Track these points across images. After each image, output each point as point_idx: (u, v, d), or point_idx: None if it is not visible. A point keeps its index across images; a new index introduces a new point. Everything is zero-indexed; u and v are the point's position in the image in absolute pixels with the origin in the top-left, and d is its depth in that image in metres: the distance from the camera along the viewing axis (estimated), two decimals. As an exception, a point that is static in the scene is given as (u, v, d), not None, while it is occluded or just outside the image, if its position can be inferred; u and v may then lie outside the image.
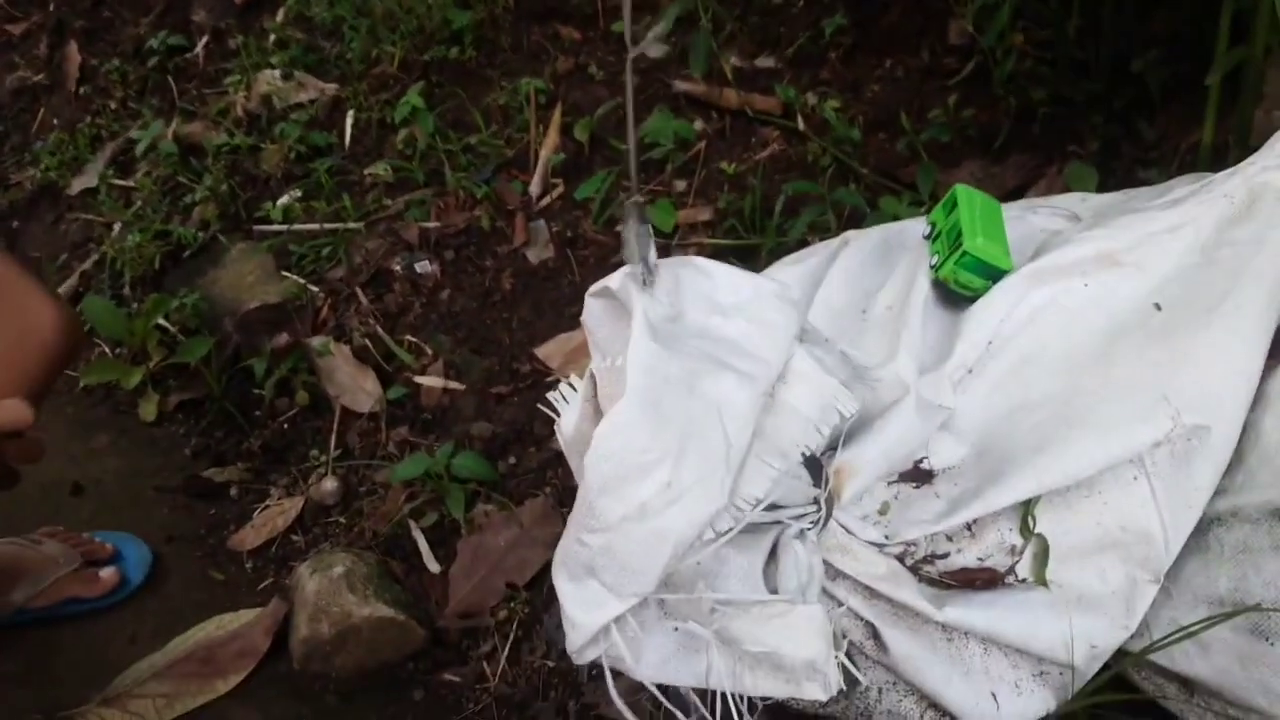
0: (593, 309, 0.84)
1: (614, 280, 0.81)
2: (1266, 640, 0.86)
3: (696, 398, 0.69)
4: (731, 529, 0.68)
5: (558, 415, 0.91)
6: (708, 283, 0.79)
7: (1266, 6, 1.12)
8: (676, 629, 0.72)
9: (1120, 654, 0.94)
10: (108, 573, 1.34)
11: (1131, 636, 0.93)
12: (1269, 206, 0.96)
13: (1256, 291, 0.93)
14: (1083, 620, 0.93)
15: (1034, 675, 0.96)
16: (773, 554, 0.80)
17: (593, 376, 0.82)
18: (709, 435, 0.68)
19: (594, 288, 0.84)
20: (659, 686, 0.77)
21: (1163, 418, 0.89)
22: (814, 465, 0.84)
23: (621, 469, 0.66)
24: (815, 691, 0.70)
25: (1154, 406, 0.90)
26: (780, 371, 0.74)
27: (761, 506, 0.70)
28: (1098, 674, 0.94)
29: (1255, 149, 1.00)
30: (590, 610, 0.69)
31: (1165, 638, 0.90)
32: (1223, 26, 1.13)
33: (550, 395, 0.88)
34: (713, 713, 0.71)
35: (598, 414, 0.81)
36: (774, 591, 0.77)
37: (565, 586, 0.70)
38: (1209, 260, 0.96)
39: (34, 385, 0.85)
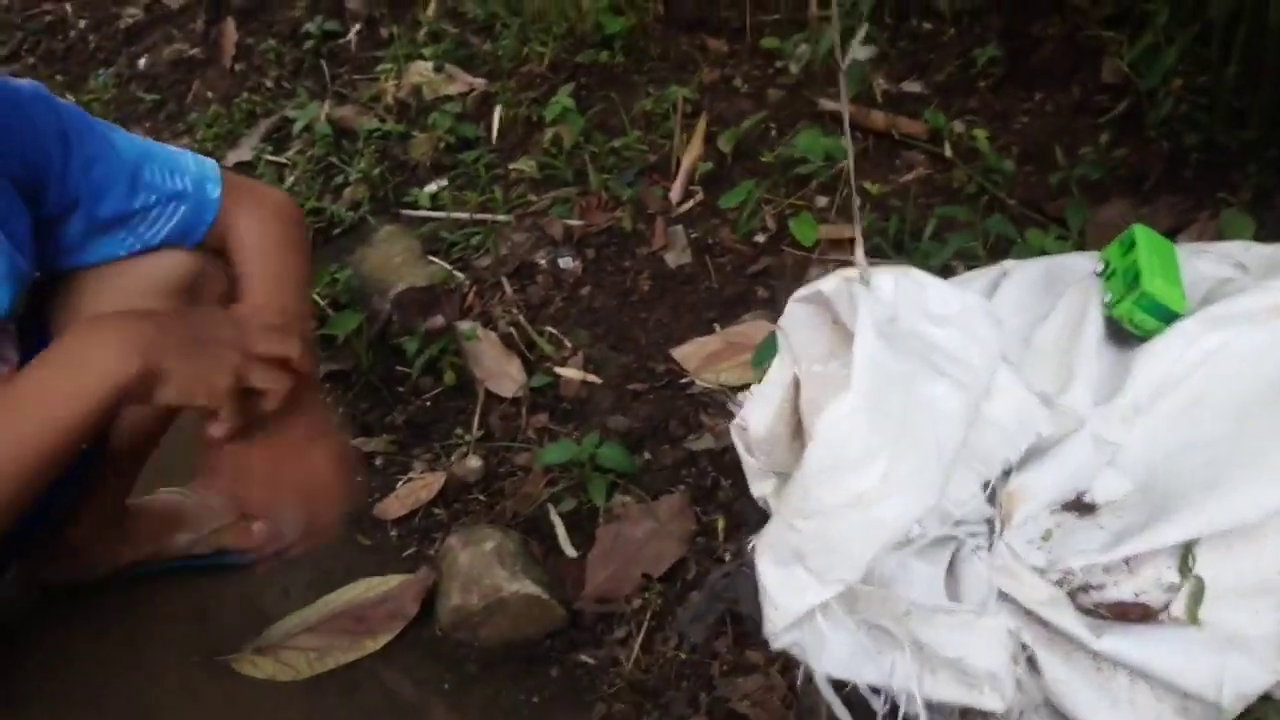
0: (795, 313, 0.88)
1: (827, 284, 0.84)
2: None
3: (914, 398, 0.72)
4: (937, 529, 0.71)
5: (737, 413, 0.95)
6: (921, 293, 0.83)
7: None
8: (863, 627, 0.76)
9: (1264, 699, 0.96)
10: (260, 527, 1.41)
11: (1278, 681, 0.94)
12: None
13: None
14: (1232, 661, 0.94)
15: (1176, 710, 0.98)
16: (949, 568, 0.83)
17: (795, 379, 0.86)
18: (924, 435, 0.72)
19: (802, 291, 0.88)
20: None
21: (1332, 471, 0.90)
22: (987, 486, 0.88)
23: (842, 457, 0.70)
24: (994, 702, 0.73)
25: (1324, 459, 0.91)
26: (987, 384, 0.77)
27: (965, 510, 0.73)
28: (1241, 715, 0.95)
29: None
30: (794, 594, 0.73)
31: (1319, 687, 0.91)
32: None
33: (739, 395, 0.92)
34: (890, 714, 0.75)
35: (794, 416, 0.85)
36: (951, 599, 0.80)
37: (770, 570, 0.74)
38: (1386, 319, 0.97)
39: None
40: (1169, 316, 1.01)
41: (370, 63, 2.36)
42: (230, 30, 2.63)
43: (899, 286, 0.83)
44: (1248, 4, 1.48)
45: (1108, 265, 1.08)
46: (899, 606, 0.73)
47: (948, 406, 0.73)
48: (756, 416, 0.89)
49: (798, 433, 0.84)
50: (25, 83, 1.06)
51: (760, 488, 0.91)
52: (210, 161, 1.16)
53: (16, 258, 1.01)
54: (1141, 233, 1.06)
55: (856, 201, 0.81)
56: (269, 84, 2.42)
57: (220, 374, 0.90)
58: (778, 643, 0.76)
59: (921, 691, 0.73)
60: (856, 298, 0.78)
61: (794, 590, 0.72)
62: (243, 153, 2.25)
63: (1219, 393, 0.98)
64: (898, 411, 0.70)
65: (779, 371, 0.87)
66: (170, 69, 2.66)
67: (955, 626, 0.73)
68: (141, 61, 2.68)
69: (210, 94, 2.52)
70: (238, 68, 2.53)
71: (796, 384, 0.85)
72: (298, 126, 2.18)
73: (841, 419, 0.71)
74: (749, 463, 0.94)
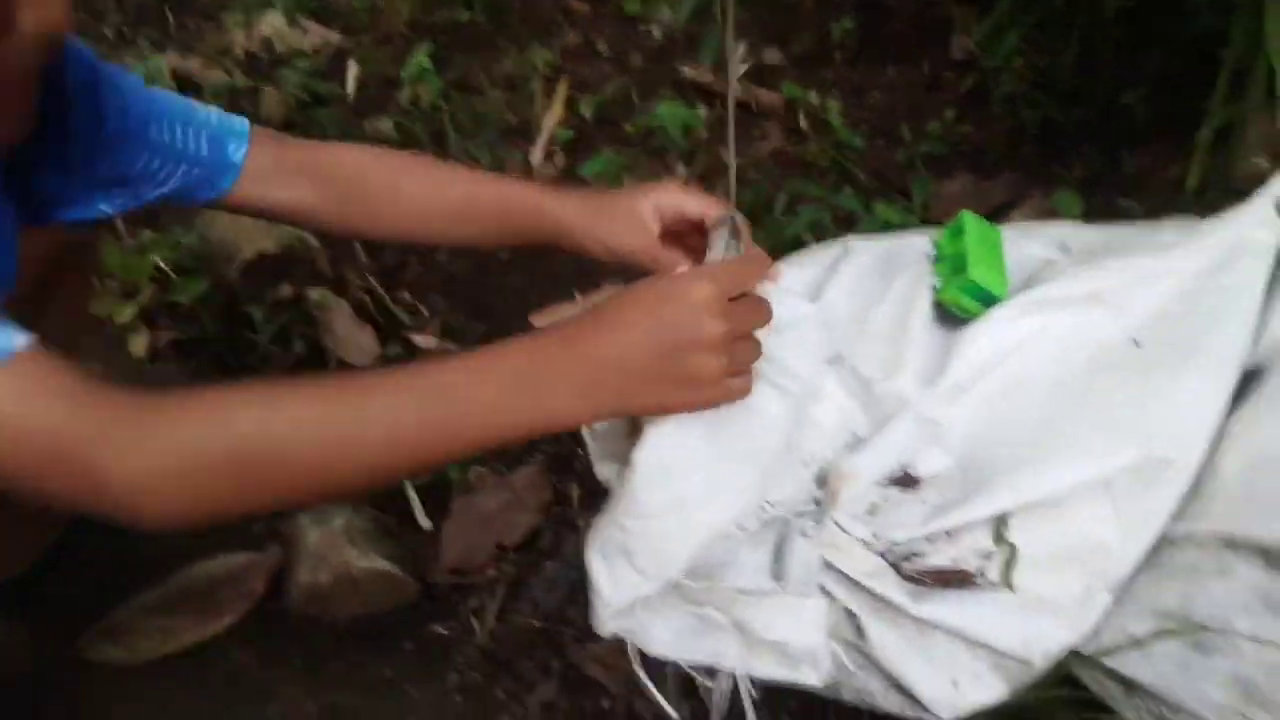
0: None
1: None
2: (1205, 654, 0.96)
3: (737, 405, 0.75)
4: (754, 527, 0.75)
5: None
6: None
7: (1263, 67, 1.20)
8: (692, 612, 0.79)
9: (1072, 655, 1.04)
10: None
11: (1085, 640, 1.02)
12: (1247, 261, 1.05)
13: (1228, 339, 1.01)
14: (1041, 622, 1.01)
15: (992, 668, 1.05)
16: (777, 551, 0.87)
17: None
18: (746, 440, 0.75)
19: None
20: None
21: (1131, 448, 0.98)
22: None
23: (665, 464, 0.73)
24: (811, 677, 0.77)
25: (1125, 437, 0.98)
26: (814, 389, 0.80)
27: (781, 510, 0.76)
28: (1051, 671, 1.03)
29: (1234, 191, 1.09)
30: (620, 588, 0.75)
31: (1115, 644, 0.99)
32: (1220, 85, 1.21)
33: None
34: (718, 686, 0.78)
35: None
36: (777, 581, 0.84)
37: (598, 564, 0.76)
38: (1188, 306, 1.04)
39: None
40: (991, 301, 1.07)
41: (217, 10, 2.25)
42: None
43: None
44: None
45: (939, 250, 1.12)
46: (724, 594, 0.76)
47: (771, 412, 0.76)
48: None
49: (635, 425, 0.86)
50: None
51: (602, 470, 0.93)
52: (239, 119, 1.01)
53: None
54: (970, 219, 1.11)
55: (734, 213, 0.82)
56: (108, 32, 2.28)
57: (707, 386, 0.72)
58: (604, 630, 0.79)
59: (748, 670, 0.77)
60: None
61: (620, 584, 0.75)
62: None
63: (1033, 374, 1.04)
64: (721, 418, 0.73)
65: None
66: None
67: (776, 609, 0.77)
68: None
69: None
70: (75, 15, 2.38)
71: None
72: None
73: (665, 429, 0.73)
74: (592, 445, 0.96)
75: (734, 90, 0.77)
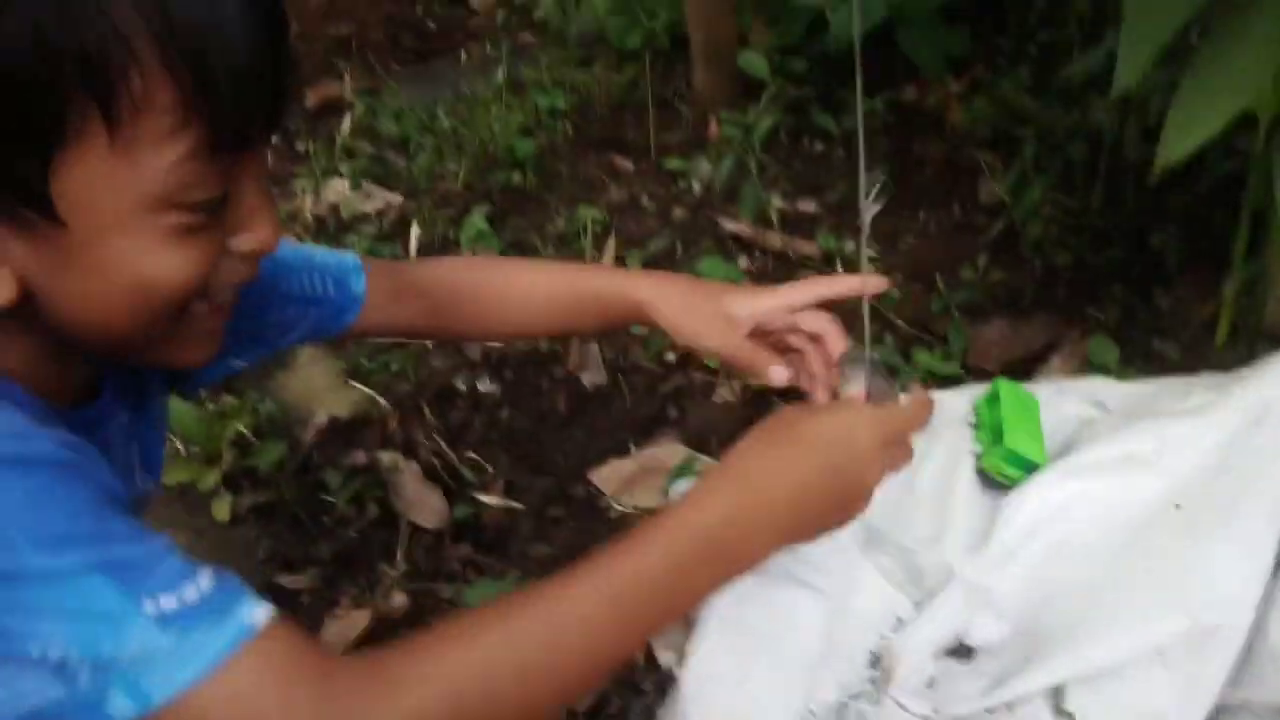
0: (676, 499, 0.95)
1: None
2: (1267, 822, 0.97)
3: (776, 612, 0.81)
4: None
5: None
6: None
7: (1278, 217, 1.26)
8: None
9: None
10: None
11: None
12: (1278, 420, 1.09)
13: (1265, 500, 1.05)
14: (1104, 790, 1.03)
15: (1058, 835, 1.07)
16: (839, 732, 0.91)
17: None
18: (787, 647, 0.80)
19: (681, 484, 0.96)
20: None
21: (1181, 615, 1.01)
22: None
23: (710, 678, 0.78)
24: None
25: (1174, 604, 1.02)
26: (849, 583, 0.86)
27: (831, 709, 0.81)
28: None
29: (1266, 336, 1.14)
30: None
31: (1179, 813, 1.00)
32: (1237, 250, 1.26)
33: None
34: None
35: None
36: (840, 767, 0.88)
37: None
38: (1224, 467, 1.08)
39: None
40: (1032, 468, 1.12)
41: (287, 178, 2.41)
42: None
43: None
44: (1105, 142, 1.63)
45: (978, 417, 1.18)
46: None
47: (809, 616, 0.81)
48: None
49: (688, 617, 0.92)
50: None
51: (664, 657, 0.98)
52: (348, 254, 1.04)
53: (164, 395, 0.92)
54: (1004, 387, 1.17)
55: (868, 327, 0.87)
56: (185, 201, 2.44)
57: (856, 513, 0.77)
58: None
59: None
60: None
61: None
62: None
63: (1078, 539, 1.08)
64: (760, 628, 0.78)
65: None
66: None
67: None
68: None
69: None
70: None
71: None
72: (216, 248, 2.21)
73: (706, 643, 0.78)
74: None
75: (865, 230, 0.83)
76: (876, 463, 0.76)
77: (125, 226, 0.59)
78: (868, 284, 0.94)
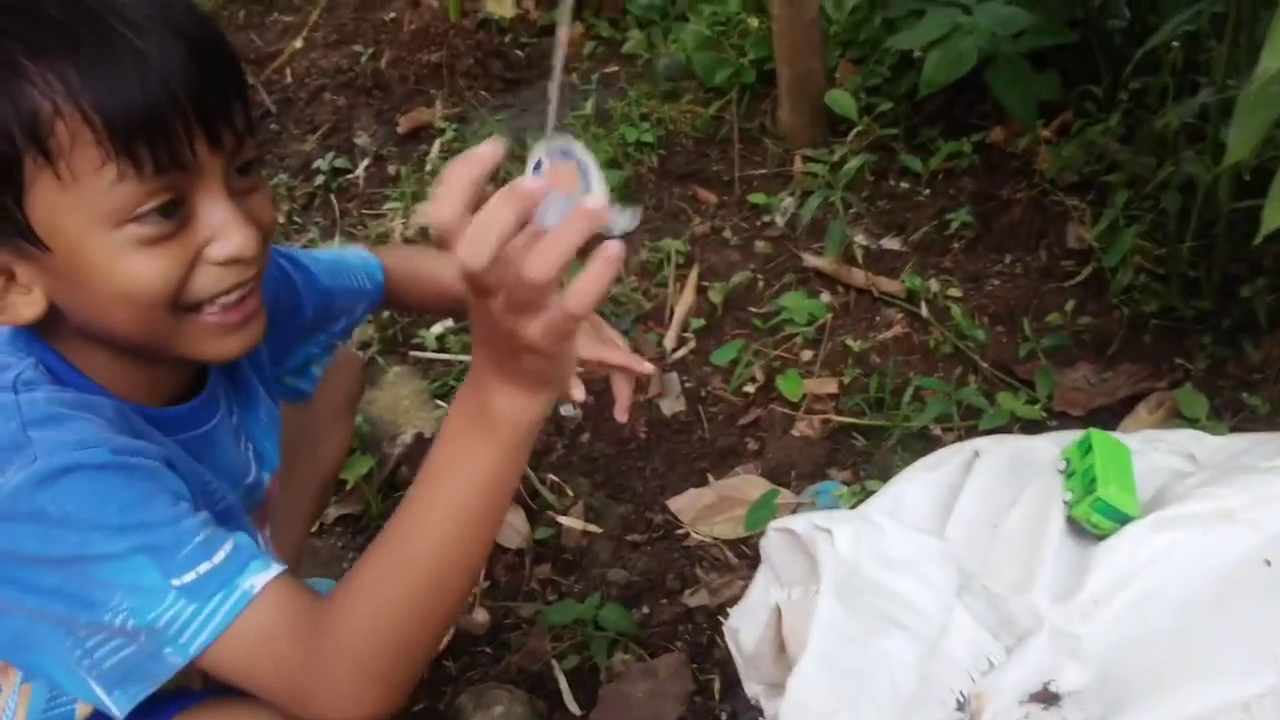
0: (774, 541, 0.98)
1: (799, 524, 0.95)
2: None
3: (871, 653, 0.82)
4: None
5: (730, 624, 1.04)
6: (881, 538, 0.93)
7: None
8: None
9: None
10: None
11: None
12: (1374, 480, 1.08)
13: (1361, 561, 1.04)
14: (1190, 845, 1.03)
15: None
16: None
17: (777, 607, 0.96)
18: (881, 687, 0.81)
19: (777, 523, 0.98)
20: None
21: (1269, 673, 1.00)
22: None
23: (805, 714, 0.80)
24: None
25: (1263, 660, 1.01)
26: (943, 624, 0.87)
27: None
28: None
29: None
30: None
31: None
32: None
33: (731, 614, 1.02)
34: None
35: (778, 639, 0.94)
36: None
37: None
38: (1318, 526, 1.08)
39: None
40: (1123, 519, 1.12)
41: (378, 200, 2.48)
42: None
43: (859, 535, 0.93)
44: (1199, 192, 1.62)
45: (1069, 464, 1.18)
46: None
47: (903, 657, 0.83)
48: (745, 631, 0.98)
49: (782, 650, 0.94)
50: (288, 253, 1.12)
51: (751, 688, 1.00)
52: (362, 249, 1.23)
53: (271, 403, 1.05)
54: (1098, 437, 1.17)
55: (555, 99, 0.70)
56: (281, 219, 2.53)
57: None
58: None
59: None
60: (819, 555, 0.89)
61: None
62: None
63: (1168, 590, 1.08)
64: (856, 668, 0.80)
65: (762, 591, 0.97)
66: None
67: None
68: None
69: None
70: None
71: (778, 607, 0.95)
72: (309, 265, 2.29)
73: (806, 684, 0.80)
74: (740, 663, 1.03)
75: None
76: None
77: (93, 242, 0.73)
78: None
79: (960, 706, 0.94)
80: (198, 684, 0.91)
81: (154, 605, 0.73)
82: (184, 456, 0.85)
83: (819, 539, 0.92)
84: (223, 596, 0.74)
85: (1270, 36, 0.97)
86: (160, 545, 0.74)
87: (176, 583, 0.73)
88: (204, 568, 0.74)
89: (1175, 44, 1.75)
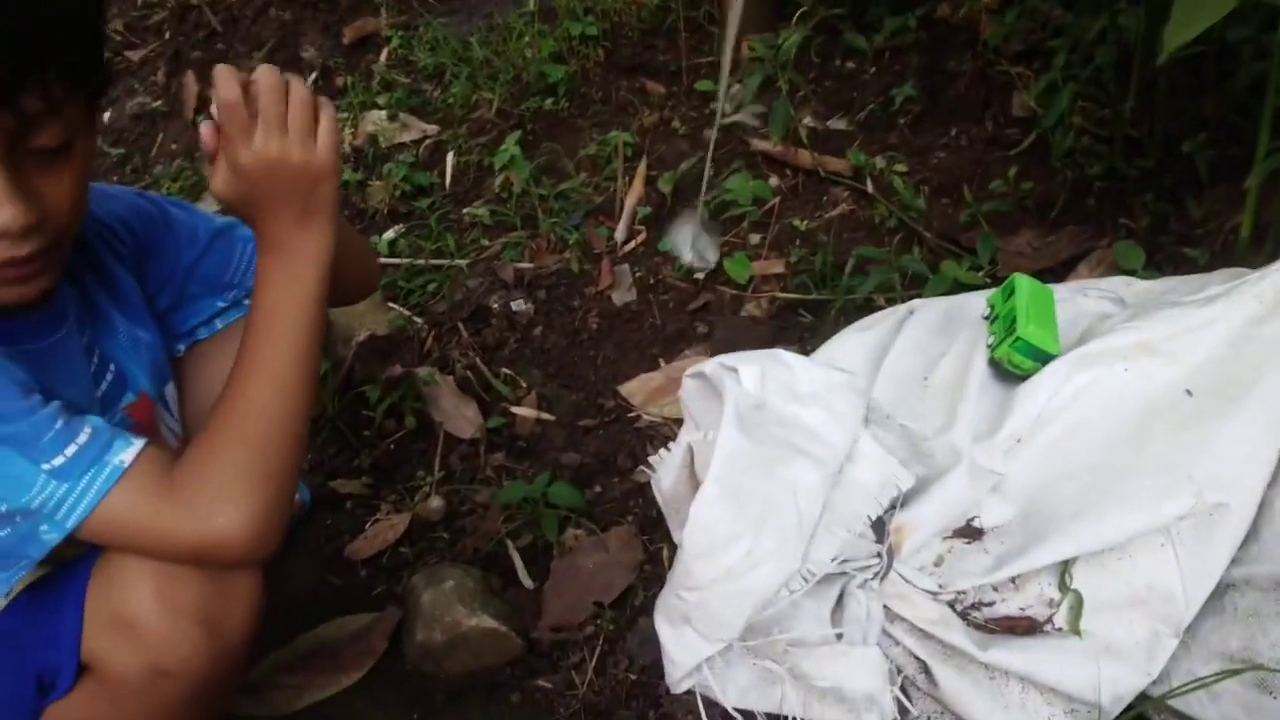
0: (689, 388, 0.99)
1: (708, 367, 0.96)
2: (1270, 694, 0.99)
3: (775, 479, 0.84)
4: (801, 588, 0.83)
5: (654, 472, 1.06)
6: (789, 374, 0.94)
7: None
8: (756, 665, 0.87)
9: (1141, 698, 1.07)
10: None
11: (1152, 683, 1.06)
12: (1290, 309, 1.09)
13: (1276, 384, 1.05)
14: (1110, 667, 1.06)
15: (1066, 712, 1.10)
16: (839, 599, 0.95)
17: (689, 447, 0.97)
18: (785, 511, 0.83)
19: (692, 369, 0.99)
20: (740, 711, 0.92)
21: (1187, 494, 1.02)
22: (878, 523, 0.99)
23: (711, 539, 0.82)
24: None
25: (1181, 484, 1.03)
26: (848, 452, 0.88)
27: (828, 569, 0.84)
28: (1121, 715, 1.07)
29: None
30: (686, 651, 0.84)
31: (1182, 686, 1.03)
32: (1262, 136, 1.25)
33: (651, 459, 1.03)
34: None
35: (693, 479, 0.96)
36: (840, 632, 0.92)
37: (665, 631, 0.85)
38: (1237, 353, 1.09)
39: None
40: (1045, 358, 1.13)
41: (327, 111, 2.45)
42: (190, 82, 2.72)
43: (767, 373, 0.94)
44: (1136, 48, 1.60)
45: (993, 310, 1.19)
46: (779, 647, 0.84)
47: (807, 481, 0.84)
48: (664, 476, 1.00)
49: (696, 489, 0.96)
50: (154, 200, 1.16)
51: (679, 535, 1.02)
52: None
53: (136, 332, 1.09)
54: (1021, 281, 1.18)
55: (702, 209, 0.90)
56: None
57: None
58: (677, 689, 0.87)
59: (810, 716, 0.84)
60: (724, 390, 0.90)
61: (685, 647, 0.83)
62: (209, 203, 2.34)
63: (1089, 425, 1.10)
64: (759, 493, 0.82)
65: (682, 436, 0.98)
66: (133, 122, 2.74)
67: (834, 656, 0.85)
68: (105, 115, 2.76)
69: (174, 145, 2.61)
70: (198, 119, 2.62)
71: (691, 447, 0.96)
72: (259, 179, 2.27)
73: (707, 506, 0.82)
74: (663, 506, 1.05)
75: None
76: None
77: None
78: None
79: (876, 537, 0.96)
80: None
81: (26, 490, 0.81)
82: (26, 363, 0.91)
83: (726, 377, 0.93)
84: (94, 473, 0.82)
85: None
86: (19, 436, 0.82)
87: (46, 467, 0.81)
88: (71, 450, 0.82)
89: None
